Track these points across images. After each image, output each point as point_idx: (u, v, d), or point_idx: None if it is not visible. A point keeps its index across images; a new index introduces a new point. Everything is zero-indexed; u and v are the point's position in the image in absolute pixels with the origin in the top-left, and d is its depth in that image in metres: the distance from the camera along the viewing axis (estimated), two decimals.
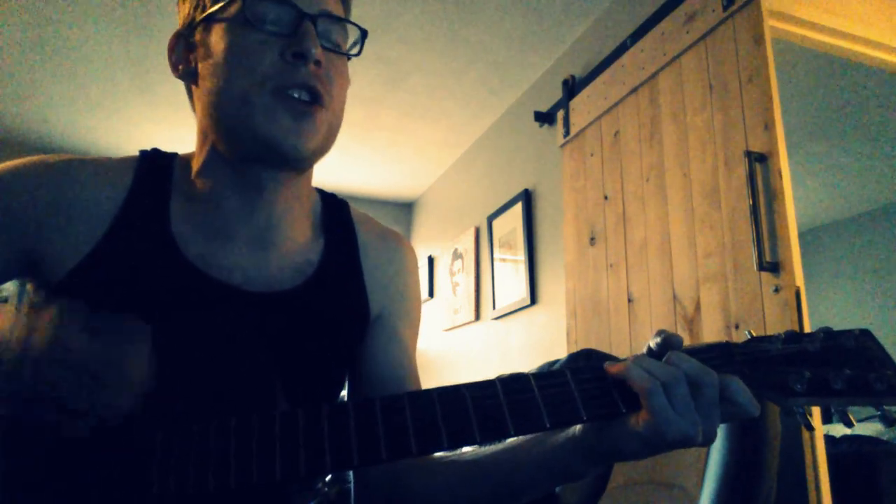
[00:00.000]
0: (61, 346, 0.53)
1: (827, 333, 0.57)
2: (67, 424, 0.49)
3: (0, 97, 3.30)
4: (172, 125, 3.57)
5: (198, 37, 0.69)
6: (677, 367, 0.51)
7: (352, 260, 0.78)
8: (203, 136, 0.71)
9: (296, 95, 0.64)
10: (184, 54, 0.71)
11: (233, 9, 0.65)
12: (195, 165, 0.71)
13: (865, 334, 0.58)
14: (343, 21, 0.70)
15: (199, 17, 0.68)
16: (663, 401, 0.50)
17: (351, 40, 0.72)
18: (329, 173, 4.25)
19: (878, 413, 0.54)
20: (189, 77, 0.71)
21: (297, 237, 0.74)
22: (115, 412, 0.50)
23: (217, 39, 0.66)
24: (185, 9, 0.71)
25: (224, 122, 0.66)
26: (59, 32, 2.73)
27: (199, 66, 0.68)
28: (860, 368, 0.54)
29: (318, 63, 0.65)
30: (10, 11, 2.58)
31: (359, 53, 0.72)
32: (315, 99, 0.65)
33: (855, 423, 0.55)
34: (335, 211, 0.81)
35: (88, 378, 0.50)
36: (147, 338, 0.55)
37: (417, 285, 0.85)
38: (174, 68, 0.72)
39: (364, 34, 0.71)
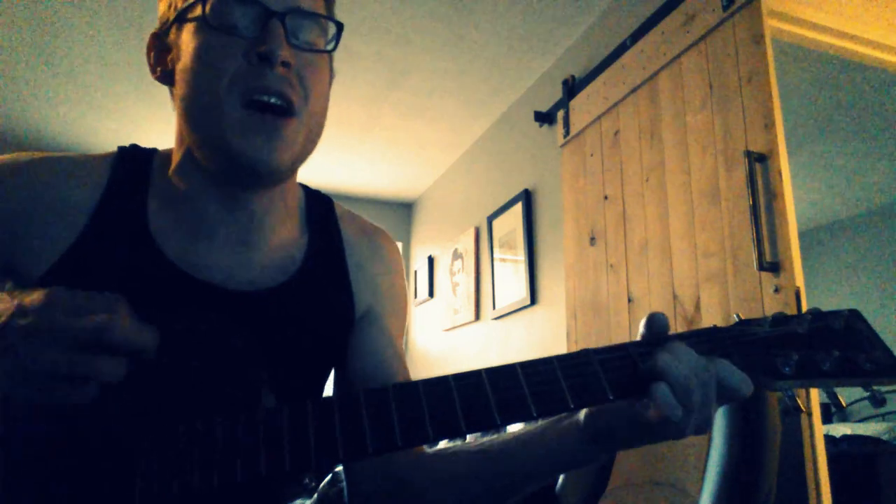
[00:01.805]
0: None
1: (815, 315, 0.57)
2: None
3: (0, 97, 3.31)
4: (172, 125, 3.56)
5: (172, 37, 0.67)
6: (701, 387, 0.50)
7: (336, 257, 0.77)
8: (180, 137, 0.69)
9: (265, 99, 0.61)
10: (161, 56, 0.69)
11: (198, 9, 0.63)
12: (172, 164, 0.69)
13: (854, 314, 0.57)
14: (316, 16, 0.66)
15: (171, 17, 0.67)
16: (679, 412, 0.49)
17: (329, 35, 0.68)
18: (329, 173, 4.25)
19: (868, 394, 0.54)
20: (167, 79, 0.69)
21: (281, 234, 0.73)
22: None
23: (187, 41, 0.64)
24: (161, 8, 0.70)
25: (197, 133, 0.64)
26: (59, 33, 2.73)
27: (174, 68, 0.67)
28: (849, 349, 0.54)
29: (286, 64, 0.62)
30: (10, 12, 2.58)
31: (333, 49, 0.69)
32: (287, 106, 0.62)
33: (844, 403, 0.55)
34: (319, 208, 0.80)
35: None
36: None
37: (403, 281, 0.85)
38: (152, 70, 0.70)
39: (339, 28, 0.68)
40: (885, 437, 3.07)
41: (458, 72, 3.04)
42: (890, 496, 2.17)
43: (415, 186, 4.53)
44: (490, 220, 3.33)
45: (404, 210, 4.85)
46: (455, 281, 3.75)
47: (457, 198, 3.97)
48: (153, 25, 0.72)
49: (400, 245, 4.77)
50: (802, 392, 1.38)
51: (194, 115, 0.64)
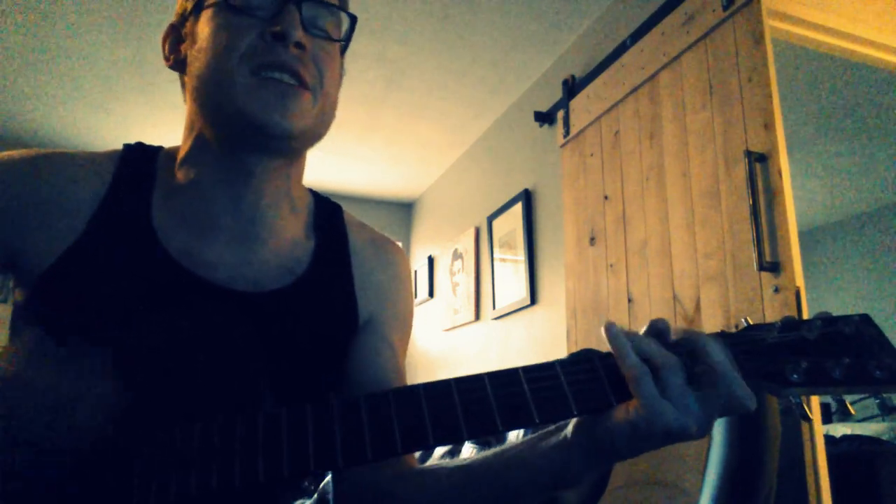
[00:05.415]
0: (29, 383, 0.52)
1: (825, 320, 0.55)
2: (44, 463, 0.49)
3: (0, 97, 3.30)
4: (172, 125, 3.56)
5: (188, 27, 0.69)
6: (671, 355, 0.50)
7: (342, 263, 0.76)
8: (190, 124, 0.70)
9: (276, 76, 0.62)
10: (175, 45, 0.72)
11: None
12: (180, 155, 0.70)
13: (865, 320, 0.55)
14: (331, 6, 0.68)
15: (189, 7, 0.69)
16: (652, 388, 0.48)
17: (343, 28, 0.71)
18: (329, 173, 4.25)
19: (877, 401, 0.53)
20: (179, 66, 0.71)
21: (286, 234, 0.73)
22: (90, 436, 0.50)
23: (203, 25, 0.67)
24: (179, 1, 0.73)
25: (208, 104, 0.65)
26: (59, 33, 2.73)
27: (188, 54, 0.69)
28: (859, 356, 0.52)
29: (300, 45, 0.63)
30: (10, 12, 2.58)
31: (346, 40, 0.71)
32: (299, 83, 0.64)
33: (853, 411, 0.54)
34: (328, 213, 0.80)
35: (59, 413, 0.50)
36: (109, 359, 0.54)
37: (410, 293, 0.84)
38: (166, 59, 0.73)
39: (353, 21, 0.70)
40: (885, 437, 3.07)
41: (458, 72, 3.03)
42: (890, 496, 2.17)
43: (415, 186, 4.53)
44: (490, 220, 3.33)
45: (404, 210, 4.85)
46: (455, 281, 3.75)
47: (457, 198, 3.97)
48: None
49: (400, 245, 4.77)
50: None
51: (206, 87, 0.65)
